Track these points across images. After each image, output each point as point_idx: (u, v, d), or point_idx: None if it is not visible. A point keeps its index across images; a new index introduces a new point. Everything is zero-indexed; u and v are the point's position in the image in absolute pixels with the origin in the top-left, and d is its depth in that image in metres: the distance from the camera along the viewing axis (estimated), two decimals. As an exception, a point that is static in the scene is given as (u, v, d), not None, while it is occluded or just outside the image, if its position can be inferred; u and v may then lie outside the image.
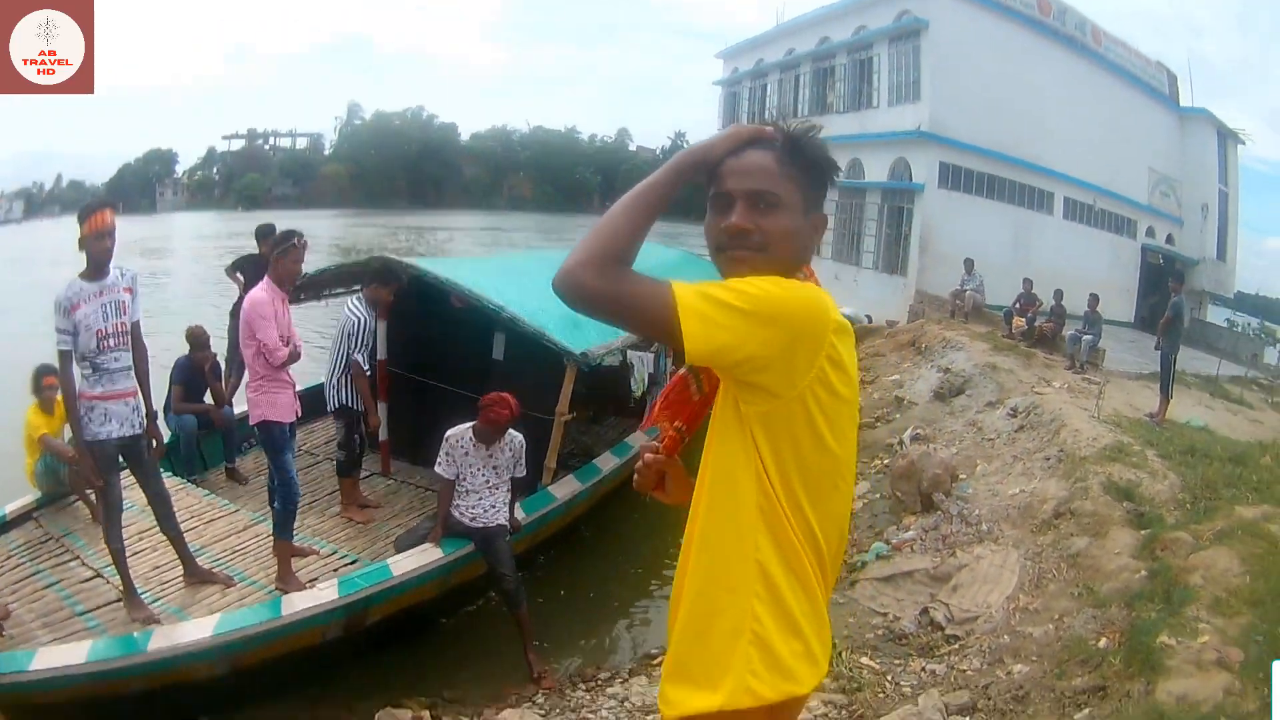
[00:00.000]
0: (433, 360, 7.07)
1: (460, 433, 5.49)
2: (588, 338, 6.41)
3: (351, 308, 6.52)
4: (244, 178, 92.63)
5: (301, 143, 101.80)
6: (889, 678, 5.10)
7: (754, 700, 1.51)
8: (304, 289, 7.76)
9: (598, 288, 1.44)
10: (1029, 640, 5.06)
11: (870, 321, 18.03)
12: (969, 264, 16.75)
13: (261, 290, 5.29)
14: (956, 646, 5.36)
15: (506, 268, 7.85)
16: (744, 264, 1.58)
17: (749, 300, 1.42)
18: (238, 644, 4.59)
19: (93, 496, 5.84)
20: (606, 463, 7.24)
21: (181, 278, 29.14)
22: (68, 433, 5.41)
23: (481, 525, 5.48)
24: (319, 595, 4.96)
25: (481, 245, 46.61)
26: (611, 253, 1.47)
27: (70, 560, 5.60)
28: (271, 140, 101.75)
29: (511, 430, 5.51)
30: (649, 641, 6.08)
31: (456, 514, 5.50)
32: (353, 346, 6.37)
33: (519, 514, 5.84)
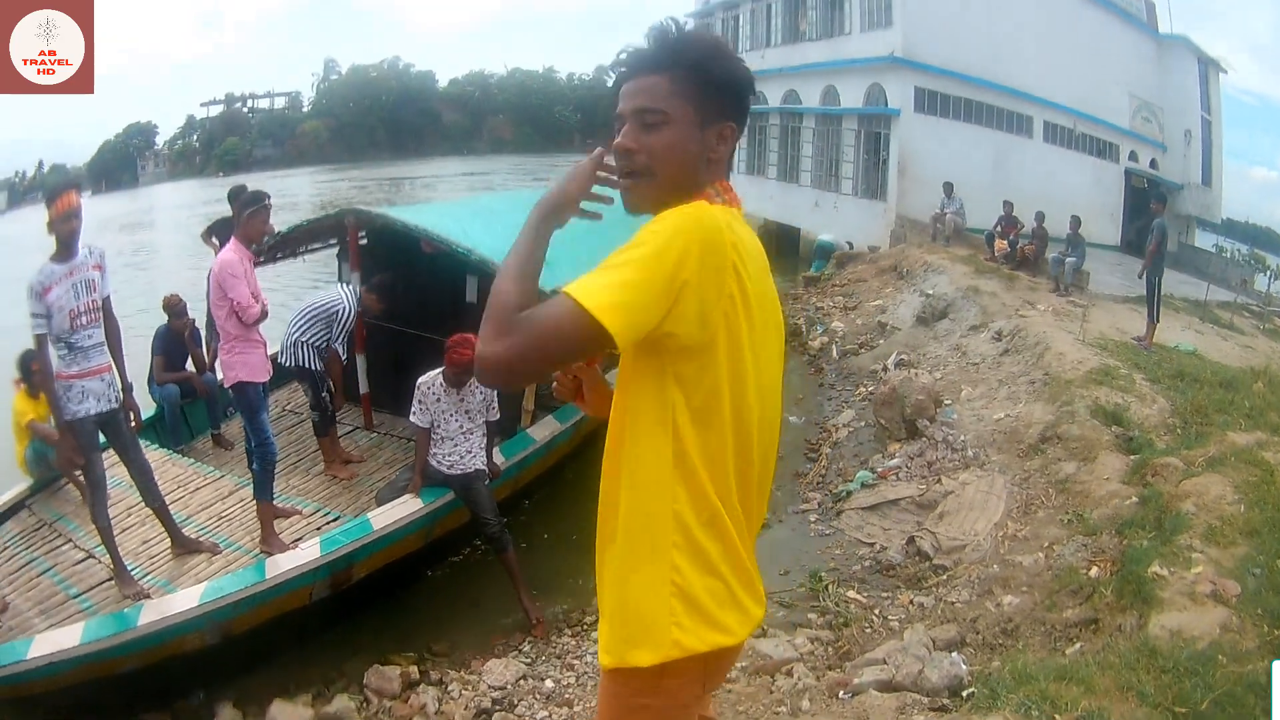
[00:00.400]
0: (408, 308, 6.95)
1: (430, 379, 5.40)
2: (560, 275, 6.20)
3: (345, 294, 6.41)
4: (224, 143, 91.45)
5: (280, 103, 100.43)
6: (876, 611, 5.13)
7: (682, 652, 1.50)
8: (277, 247, 7.66)
9: (509, 351, 1.37)
10: (1018, 570, 5.03)
11: (851, 247, 18.05)
12: (948, 187, 16.69)
13: (230, 251, 5.22)
14: (945, 577, 5.36)
15: (476, 209, 7.69)
16: (633, 192, 1.58)
17: (644, 266, 1.38)
18: (225, 610, 4.53)
19: (81, 477, 5.71)
20: None
21: (165, 250, 28.64)
22: None
23: (460, 472, 5.40)
24: (302, 555, 4.92)
25: (462, 191, 45.65)
26: (506, 318, 1.40)
27: (63, 544, 5.54)
28: (250, 103, 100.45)
29: None
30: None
31: (434, 462, 5.42)
32: (334, 335, 6.31)
33: (498, 458, 5.77)
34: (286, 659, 4.98)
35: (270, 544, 5.21)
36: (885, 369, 9.37)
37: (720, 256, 1.42)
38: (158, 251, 29.16)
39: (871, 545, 5.93)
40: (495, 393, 5.48)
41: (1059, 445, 6.50)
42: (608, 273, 1.39)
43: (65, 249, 4.53)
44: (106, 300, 4.71)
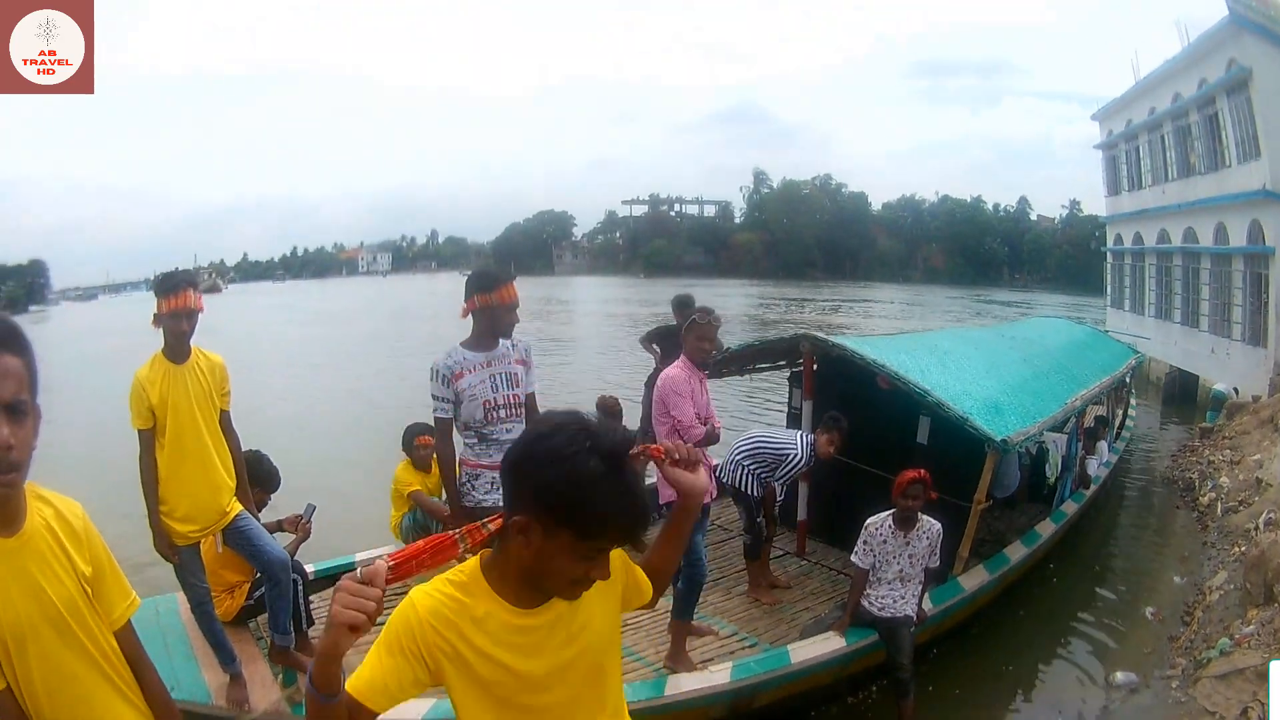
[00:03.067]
0: (856, 441, 6.87)
1: (880, 520, 5.29)
2: (1009, 423, 6.14)
3: (800, 444, 6.37)
4: (650, 243, 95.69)
5: (709, 210, 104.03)
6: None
7: None
8: (725, 364, 7.81)
9: None
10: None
11: (1237, 394, 16.39)
12: None
13: (678, 367, 5.27)
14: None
15: (928, 347, 7.68)
16: None
17: None
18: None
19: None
20: (1015, 552, 6.85)
21: (586, 344, 30.35)
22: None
23: (890, 615, 5.24)
24: (709, 678, 4.85)
25: (896, 318, 45.87)
26: None
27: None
28: (678, 207, 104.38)
29: (929, 518, 5.27)
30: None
31: (866, 603, 5.30)
32: (777, 475, 6.35)
33: (927, 604, 5.57)
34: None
35: (678, 662, 5.18)
36: (1256, 529, 8.46)
37: None
38: (575, 345, 30.73)
39: (1213, 715, 5.36)
40: (940, 538, 5.31)
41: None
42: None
43: (487, 337, 4.47)
44: (530, 397, 4.58)
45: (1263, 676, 5.58)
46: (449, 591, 1.71)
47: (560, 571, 1.64)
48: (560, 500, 1.57)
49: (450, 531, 1.66)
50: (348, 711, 1.58)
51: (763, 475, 6.32)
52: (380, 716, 1.57)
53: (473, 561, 1.75)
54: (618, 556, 1.88)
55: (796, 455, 6.30)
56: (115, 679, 1.91)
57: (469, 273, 4.73)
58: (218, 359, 4.50)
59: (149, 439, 4.28)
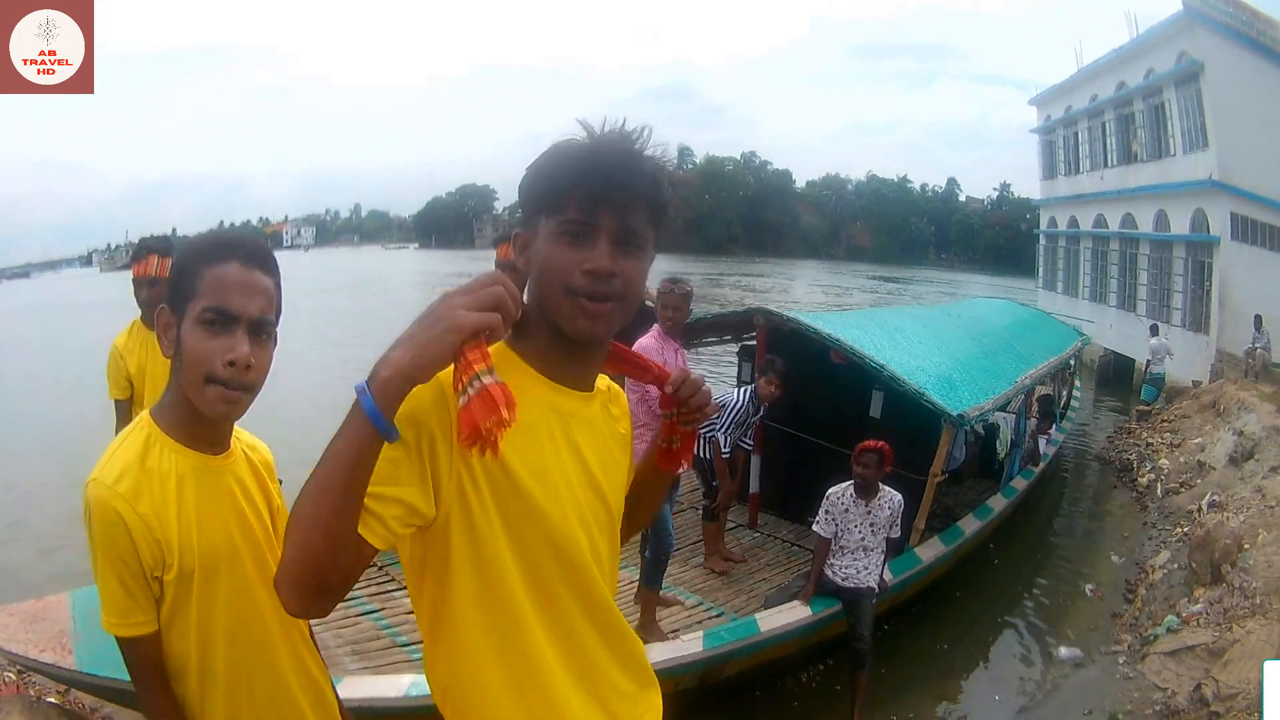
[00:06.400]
0: (808, 415, 6.97)
1: (841, 490, 5.32)
2: (963, 398, 6.23)
3: (740, 394, 6.39)
4: None
5: None
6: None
7: None
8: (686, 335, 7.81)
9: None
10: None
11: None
12: (1257, 320, 16.14)
13: (650, 337, 5.15)
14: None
15: (878, 323, 7.74)
16: (606, 320, 1.33)
17: None
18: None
19: None
20: (969, 525, 6.98)
21: None
22: None
23: (853, 585, 5.28)
24: (682, 647, 4.84)
25: (818, 294, 46.43)
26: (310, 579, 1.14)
27: (396, 589, 5.61)
28: None
29: (890, 489, 5.32)
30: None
31: (830, 572, 5.33)
32: (720, 424, 6.27)
33: (887, 575, 5.62)
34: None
35: (648, 632, 5.17)
36: (1200, 510, 8.78)
37: None
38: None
39: (1165, 690, 5.56)
40: (901, 509, 5.35)
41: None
42: None
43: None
44: None
45: (1215, 654, 5.75)
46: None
47: (554, 271, 1.29)
48: (527, 175, 1.36)
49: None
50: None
51: (708, 434, 6.25)
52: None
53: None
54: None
55: (735, 402, 6.33)
56: (292, 628, 1.75)
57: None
58: None
59: (126, 409, 4.09)
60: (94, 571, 1.54)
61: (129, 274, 4.24)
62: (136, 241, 4.57)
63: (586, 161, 1.29)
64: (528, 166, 1.36)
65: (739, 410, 6.33)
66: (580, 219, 1.28)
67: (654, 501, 1.78)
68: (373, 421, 1.09)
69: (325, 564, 1.12)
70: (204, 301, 1.53)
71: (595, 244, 1.29)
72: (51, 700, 4.19)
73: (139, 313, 4.16)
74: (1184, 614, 6.55)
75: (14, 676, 4.68)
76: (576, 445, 1.39)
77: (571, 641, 1.39)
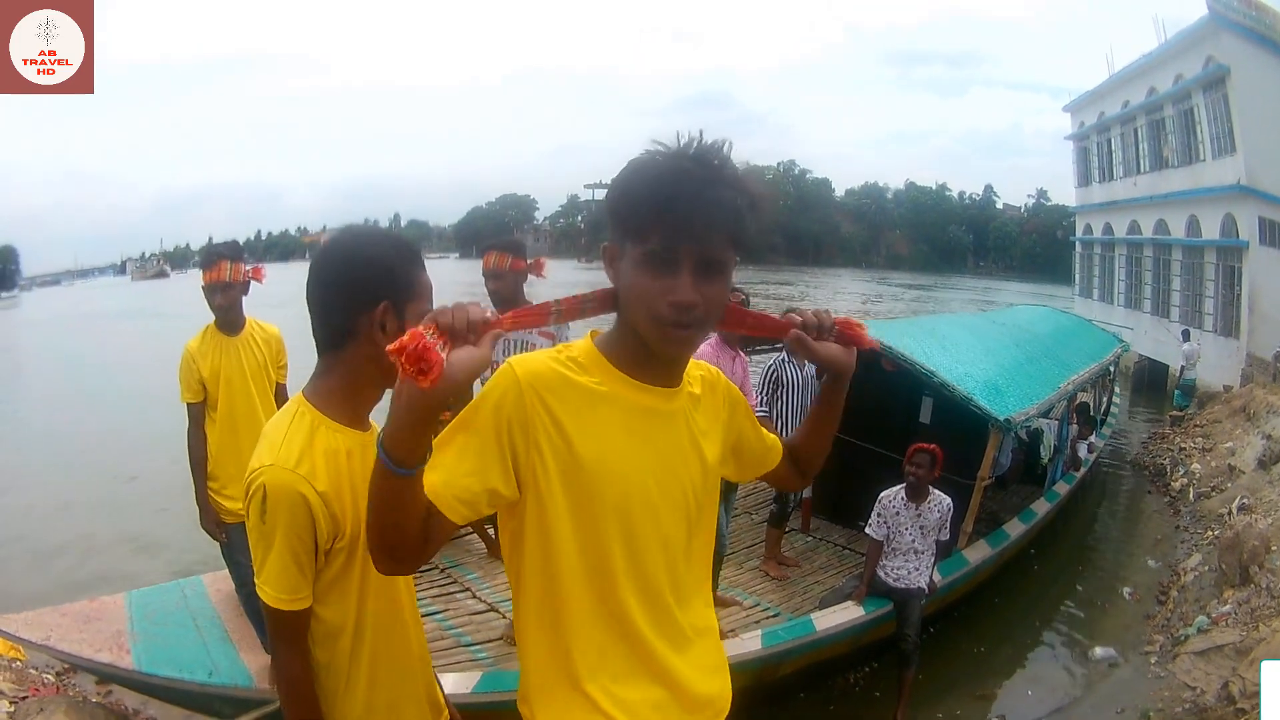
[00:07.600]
0: (859, 421, 7.21)
1: (892, 493, 5.50)
2: (1009, 404, 6.38)
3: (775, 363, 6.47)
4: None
5: None
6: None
7: None
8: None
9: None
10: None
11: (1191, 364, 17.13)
12: None
13: (706, 346, 5.24)
14: (1245, 720, 5.18)
15: (927, 330, 7.87)
16: (688, 345, 1.45)
17: None
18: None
19: (491, 532, 5.98)
20: (1014, 529, 7.10)
21: (575, 329, 30.69)
22: None
23: (904, 586, 5.46)
24: (741, 645, 4.96)
25: (857, 303, 46.39)
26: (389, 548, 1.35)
27: (458, 591, 5.74)
28: None
29: (940, 493, 5.49)
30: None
31: (881, 574, 5.52)
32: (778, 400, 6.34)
33: (936, 577, 5.77)
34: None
35: None
36: (1230, 513, 8.94)
37: None
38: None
39: (1194, 689, 5.73)
40: (950, 512, 5.51)
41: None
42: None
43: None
44: None
45: (1241, 653, 5.96)
46: (558, 360, 1.45)
47: (640, 299, 1.37)
48: (612, 193, 1.42)
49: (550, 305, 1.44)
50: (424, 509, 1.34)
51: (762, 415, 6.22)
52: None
53: (585, 339, 1.53)
54: (739, 403, 1.75)
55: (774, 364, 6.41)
56: (406, 591, 1.89)
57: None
58: (274, 330, 4.43)
59: (198, 413, 4.20)
60: (259, 553, 1.63)
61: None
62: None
63: (668, 190, 1.33)
64: (612, 181, 1.41)
65: (775, 370, 6.36)
66: (662, 251, 1.34)
67: (828, 416, 1.99)
68: (391, 469, 1.26)
69: (391, 542, 1.32)
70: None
71: (678, 274, 1.34)
72: (95, 700, 4.41)
73: (212, 318, 4.25)
74: (1213, 614, 6.67)
75: (53, 678, 4.96)
76: (653, 438, 1.50)
77: (624, 625, 1.50)
